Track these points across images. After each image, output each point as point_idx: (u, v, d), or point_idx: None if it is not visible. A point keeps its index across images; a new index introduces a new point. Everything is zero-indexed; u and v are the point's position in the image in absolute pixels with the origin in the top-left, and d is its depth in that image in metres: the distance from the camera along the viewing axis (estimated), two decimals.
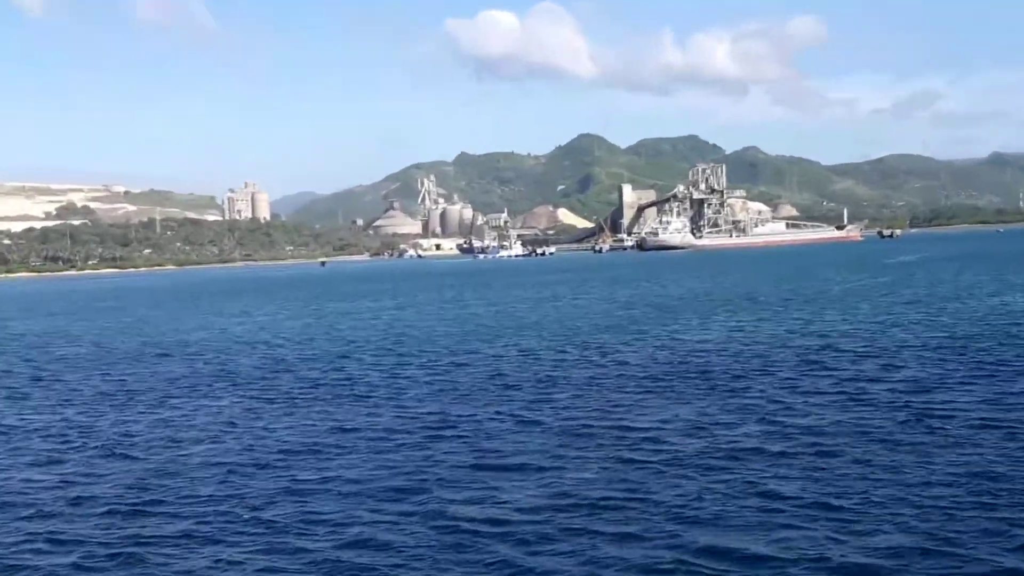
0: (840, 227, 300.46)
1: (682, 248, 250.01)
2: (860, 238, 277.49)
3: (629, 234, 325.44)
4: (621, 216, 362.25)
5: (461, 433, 20.96)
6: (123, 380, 33.79)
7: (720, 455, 17.60)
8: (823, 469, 16.17)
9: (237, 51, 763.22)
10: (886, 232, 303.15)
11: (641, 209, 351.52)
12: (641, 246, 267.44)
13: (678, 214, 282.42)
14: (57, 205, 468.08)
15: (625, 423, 21.17)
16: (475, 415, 23.15)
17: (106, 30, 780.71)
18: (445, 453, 19.05)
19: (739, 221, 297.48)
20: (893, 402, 21.92)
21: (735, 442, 18.62)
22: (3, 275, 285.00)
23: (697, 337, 38.75)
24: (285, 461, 19.09)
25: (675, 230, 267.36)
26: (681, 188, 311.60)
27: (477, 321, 53.38)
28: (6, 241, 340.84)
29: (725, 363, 30.44)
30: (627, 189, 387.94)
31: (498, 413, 23.17)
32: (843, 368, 28.03)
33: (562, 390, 26.61)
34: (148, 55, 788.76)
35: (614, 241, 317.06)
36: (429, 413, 23.71)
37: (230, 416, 24.92)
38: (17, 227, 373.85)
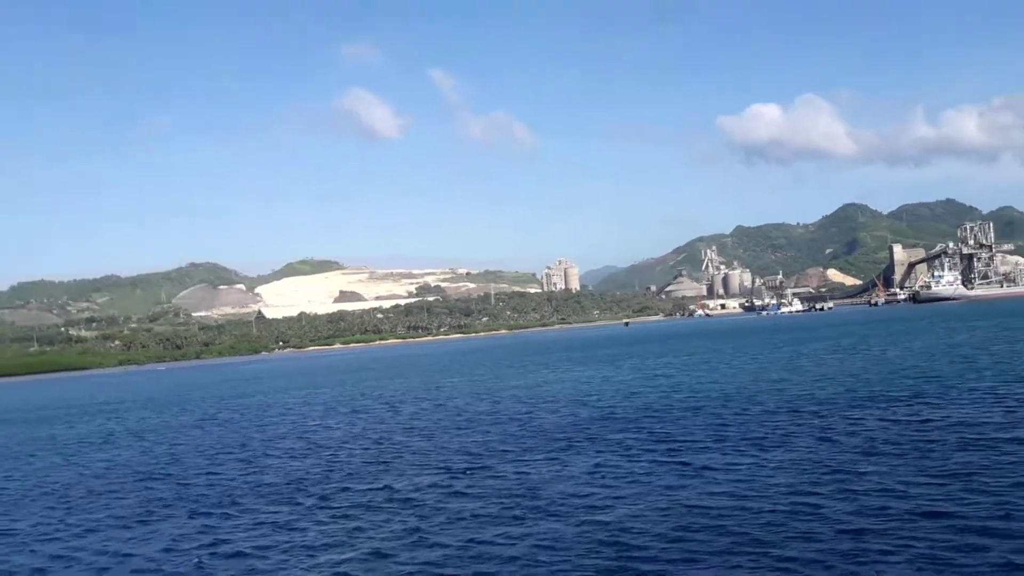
0: None
1: (955, 299, 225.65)
2: None
3: (901, 288, 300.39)
4: (892, 272, 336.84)
5: None
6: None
7: None
8: None
9: (549, 161, 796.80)
10: None
11: (912, 265, 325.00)
12: (915, 298, 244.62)
13: (949, 268, 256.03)
14: (416, 285, 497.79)
15: None
16: None
17: (449, 147, 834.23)
18: None
19: (1009, 272, 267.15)
20: None
21: None
22: (377, 341, 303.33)
23: None
24: None
25: (947, 283, 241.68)
26: (951, 245, 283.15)
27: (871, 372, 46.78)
28: (379, 315, 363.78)
29: None
30: (898, 248, 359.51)
31: None
32: None
33: None
34: (480, 166, 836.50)
35: (887, 295, 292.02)
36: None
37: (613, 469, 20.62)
38: (387, 304, 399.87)
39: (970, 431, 23.56)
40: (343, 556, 15.97)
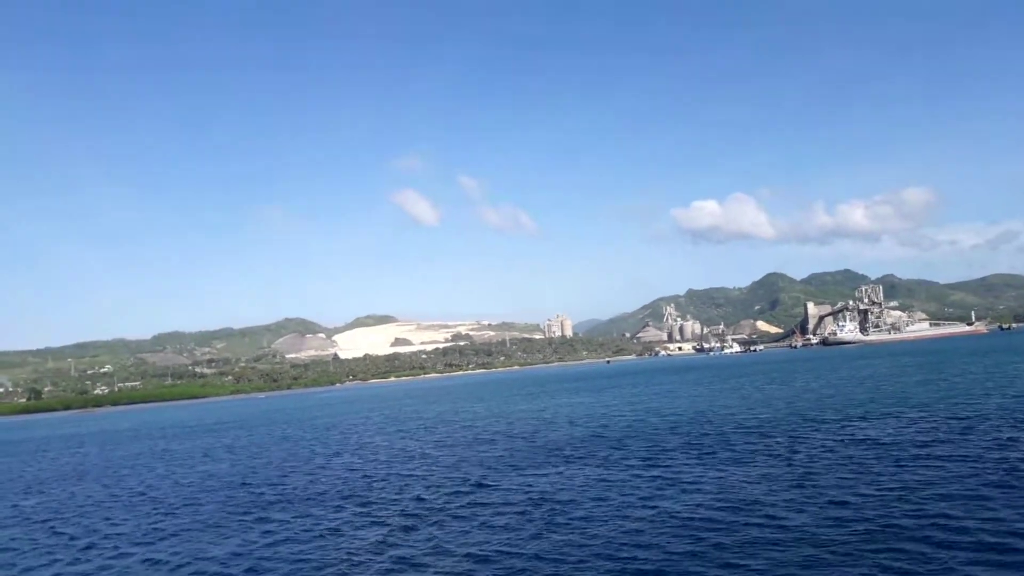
0: (970, 323, 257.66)
1: (855, 343, 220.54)
2: (985, 331, 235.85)
3: (813, 335, 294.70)
4: (807, 323, 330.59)
5: None
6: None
7: None
8: None
9: (546, 239, 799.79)
10: (1005, 326, 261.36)
11: (821, 318, 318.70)
12: (825, 342, 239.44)
13: (850, 320, 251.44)
14: (451, 334, 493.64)
15: None
16: None
17: (473, 231, 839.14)
18: None
19: (894, 323, 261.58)
20: None
21: None
22: (422, 375, 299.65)
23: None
24: None
25: (849, 331, 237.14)
26: (850, 302, 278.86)
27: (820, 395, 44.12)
28: (424, 356, 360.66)
29: None
30: (810, 305, 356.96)
31: None
32: None
33: None
34: (495, 247, 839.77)
35: (804, 341, 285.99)
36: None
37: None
38: (429, 347, 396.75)
39: (894, 448, 21.26)
40: (370, 543, 13.84)
